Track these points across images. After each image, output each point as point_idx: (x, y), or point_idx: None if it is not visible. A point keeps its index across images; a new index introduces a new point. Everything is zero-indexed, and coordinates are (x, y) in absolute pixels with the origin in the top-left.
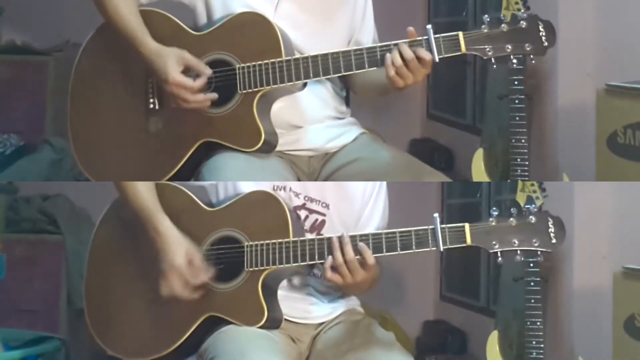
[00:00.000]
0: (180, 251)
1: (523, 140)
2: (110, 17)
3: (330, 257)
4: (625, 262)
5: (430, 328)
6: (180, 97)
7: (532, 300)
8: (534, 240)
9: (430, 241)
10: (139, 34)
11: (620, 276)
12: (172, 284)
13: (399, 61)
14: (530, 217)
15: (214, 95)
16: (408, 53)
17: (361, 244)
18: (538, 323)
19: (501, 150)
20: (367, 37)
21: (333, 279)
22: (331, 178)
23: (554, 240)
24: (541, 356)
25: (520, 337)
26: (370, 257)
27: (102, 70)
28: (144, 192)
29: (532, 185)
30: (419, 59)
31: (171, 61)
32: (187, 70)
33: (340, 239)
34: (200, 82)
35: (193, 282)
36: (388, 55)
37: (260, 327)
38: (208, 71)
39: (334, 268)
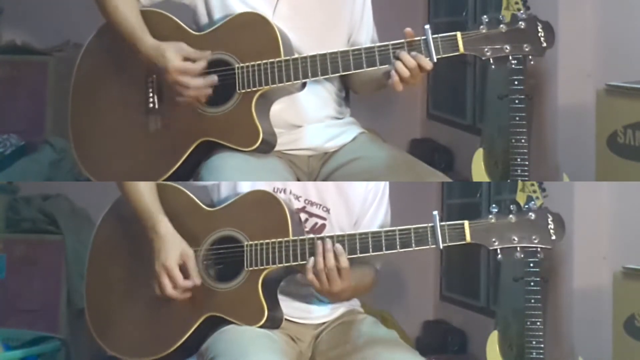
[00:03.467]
0: (173, 253)
1: (523, 140)
2: (110, 16)
3: (312, 259)
4: (625, 262)
5: (430, 328)
6: (181, 83)
7: (532, 300)
8: (534, 237)
9: (429, 239)
10: (137, 32)
11: (620, 276)
12: (161, 282)
13: (406, 73)
14: (530, 214)
15: (214, 78)
16: (411, 62)
17: (337, 245)
18: (538, 323)
19: (501, 150)
20: (366, 37)
21: (313, 282)
22: (330, 178)
23: (553, 237)
24: (541, 356)
25: (520, 337)
26: (344, 260)
27: (103, 70)
28: (145, 192)
29: (532, 185)
30: (420, 66)
31: (170, 52)
32: (187, 60)
33: (323, 243)
34: (201, 65)
35: (182, 285)
36: (393, 72)
37: (261, 327)
38: (207, 54)
39: (315, 271)
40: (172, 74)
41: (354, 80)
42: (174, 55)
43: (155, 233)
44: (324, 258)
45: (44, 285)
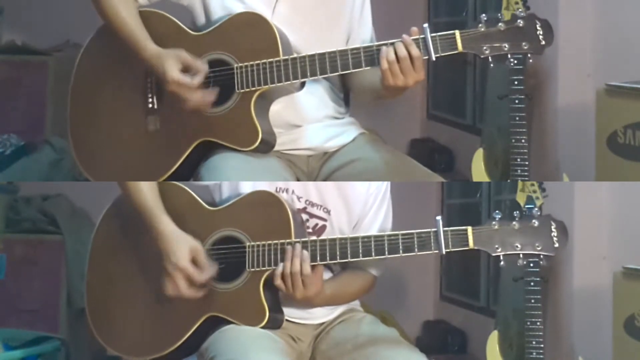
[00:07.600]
0: (184, 250)
1: (523, 140)
2: (111, 20)
3: (281, 264)
4: (625, 262)
5: (430, 328)
6: (180, 95)
7: (532, 300)
8: (537, 244)
9: (432, 244)
10: (140, 38)
11: (620, 276)
12: (177, 283)
13: (391, 56)
14: (533, 220)
15: (212, 94)
16: (402, 51)
17: (304, 252)
18: (538, 323)
19: (501, 150)
20: (365, 38)
21: (280, 287)
22: (330, 178)
23: (556, 245)
24: (541, 356)
25: (520, 337)
26: (306, 268)
27: (102, 70)
28: (146, 190)
29: (532, 185)
30: (410, 57)
31: (169, 61)
32: (187, 70)
33: (293, 248)
34: (197, 80)
35: (198, 280)
36: (383, 48)
37: (262, 328)
38: (204, 67)
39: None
40: (171, 85)
41: (354, 84)
42: (173, 66)
43: (158, 232)
44: (291, 263)
45: (44, 285)
